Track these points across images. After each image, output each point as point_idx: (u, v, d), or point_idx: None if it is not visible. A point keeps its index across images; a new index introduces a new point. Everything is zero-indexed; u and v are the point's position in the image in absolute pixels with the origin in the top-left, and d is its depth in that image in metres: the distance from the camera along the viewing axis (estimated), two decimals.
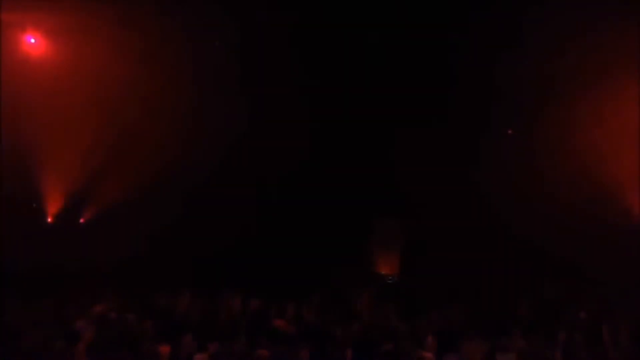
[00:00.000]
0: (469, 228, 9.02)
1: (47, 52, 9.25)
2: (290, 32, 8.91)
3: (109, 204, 10.81)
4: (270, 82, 9.37)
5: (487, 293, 7.98)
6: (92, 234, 10.41)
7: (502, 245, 9.14)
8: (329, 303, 6.14)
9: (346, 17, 9.03)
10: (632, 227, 9.05)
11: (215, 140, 9.91)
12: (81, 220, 12.45)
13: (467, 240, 8.93)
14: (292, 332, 5.22)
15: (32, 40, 9.06)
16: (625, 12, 7.98)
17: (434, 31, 8.71)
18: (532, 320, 5.78)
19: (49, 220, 11.79)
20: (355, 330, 4.93)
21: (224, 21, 9.39)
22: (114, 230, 10.02)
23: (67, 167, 10.70)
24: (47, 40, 9.17)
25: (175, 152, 10.34)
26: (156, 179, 10.38)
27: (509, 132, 10.68)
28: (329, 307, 5.95)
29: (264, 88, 9.56)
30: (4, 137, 8.55)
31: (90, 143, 10.68)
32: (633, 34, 8.20)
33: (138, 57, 9.51)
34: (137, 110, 10.38)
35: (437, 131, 9.22)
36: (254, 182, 9.59)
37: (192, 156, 10.41)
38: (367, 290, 6.45)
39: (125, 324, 5.62)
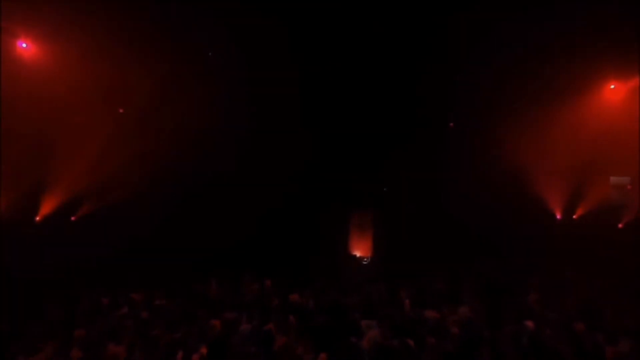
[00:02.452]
0: (428, 218, 11.21)
1: (37, 55, 9.96)
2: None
3: (115, 201, 11.71)
4: (263, 83, 10.44)
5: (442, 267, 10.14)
6: (108, 229, 11.22)
7: (451, 231, 11.40)
8: (332, 283, 7.95)
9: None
10: (550, 215, 11.73)
11: (214, 141, 11.09)
12: (72, 218, 13.25)
13: (427, 228, 11.11)
14: (309, 305, 6.95)
15: (24, 45, 9.86)
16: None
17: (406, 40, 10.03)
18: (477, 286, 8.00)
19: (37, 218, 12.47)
20: (358, 301, 6.79)
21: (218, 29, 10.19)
22: (127, 226, 11.02)
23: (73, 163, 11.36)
24: (38, 45, 9.90)
25: (173, 152, 11.38)
26: (154, 179, 11.43)
27: (451, 125, 12.66)
28: (332, 286, 7.76)
29: (258, 88, 10.64)
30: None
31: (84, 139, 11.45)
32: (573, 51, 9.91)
33: (127, 61, 10.43)
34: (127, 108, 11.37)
35: (403, 140, 11.19)
36: (253, 186, 10.99)
37: (185, 160, 11.51)
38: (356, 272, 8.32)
39: (174, 307, 7.07)
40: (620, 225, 12.06)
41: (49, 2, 9.09)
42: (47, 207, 12.34)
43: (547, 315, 6.41)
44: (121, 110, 11.62)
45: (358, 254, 10.96)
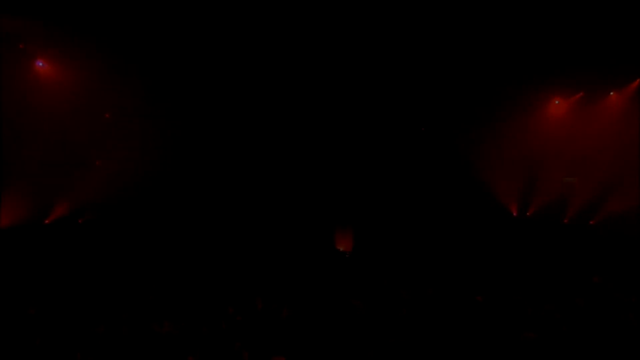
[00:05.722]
0: (397, 220, 13.01)
1: (52, 74, 11.13)
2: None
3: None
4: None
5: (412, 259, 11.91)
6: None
7: (420, 228, 13.04)
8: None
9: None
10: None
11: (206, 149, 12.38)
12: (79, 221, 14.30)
13: (396, 228, 12.91)
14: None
15: (41, 64, 11.03)
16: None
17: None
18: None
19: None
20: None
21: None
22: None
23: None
24: (54, 65, 11.08)
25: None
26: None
27: (422, 129, 13.91)
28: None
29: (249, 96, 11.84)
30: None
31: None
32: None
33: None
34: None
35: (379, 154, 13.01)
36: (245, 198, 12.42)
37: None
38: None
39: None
40: (565, 221, 14.04)
41: (64, 25, 10.03)
42: (57, 211, 13.44)
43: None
44: (107, 116, 12.49)
45: (342, 249, 12.75)
